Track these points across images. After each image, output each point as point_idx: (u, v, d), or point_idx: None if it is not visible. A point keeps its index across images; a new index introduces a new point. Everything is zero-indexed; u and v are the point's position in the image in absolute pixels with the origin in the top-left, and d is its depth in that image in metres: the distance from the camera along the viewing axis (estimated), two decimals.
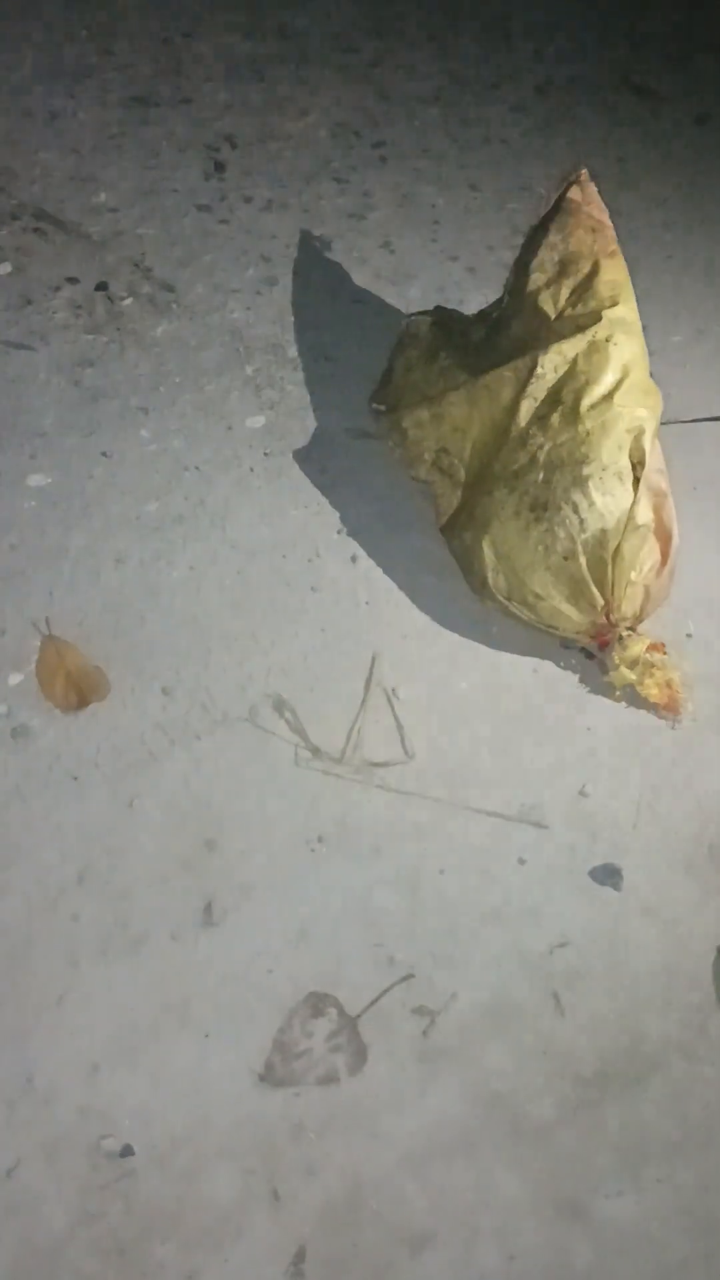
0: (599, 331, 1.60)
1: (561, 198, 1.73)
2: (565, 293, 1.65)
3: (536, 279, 1.67)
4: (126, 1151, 1.26)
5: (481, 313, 1.85)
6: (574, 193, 1.72)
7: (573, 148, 2.39)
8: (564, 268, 1.66)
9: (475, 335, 1.79)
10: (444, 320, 1.87)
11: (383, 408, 1.85)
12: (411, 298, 2.10)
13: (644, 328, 1.67)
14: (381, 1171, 1.28)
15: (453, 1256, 1.24)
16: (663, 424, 1.65)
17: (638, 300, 1.68)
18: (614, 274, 1.65)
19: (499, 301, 1.79)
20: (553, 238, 1.68)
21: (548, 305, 1.65)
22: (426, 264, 2.17)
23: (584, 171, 1.75)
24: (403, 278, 2.13)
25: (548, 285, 1.66)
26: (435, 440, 1.75)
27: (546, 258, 1.68)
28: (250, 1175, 1.26)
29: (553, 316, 1.64)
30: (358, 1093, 1.32)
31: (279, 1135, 1.29)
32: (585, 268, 1.65)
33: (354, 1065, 1.34)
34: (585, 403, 1.60)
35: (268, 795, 1.52)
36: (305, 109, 2.39)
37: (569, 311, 1.64)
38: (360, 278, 2.12)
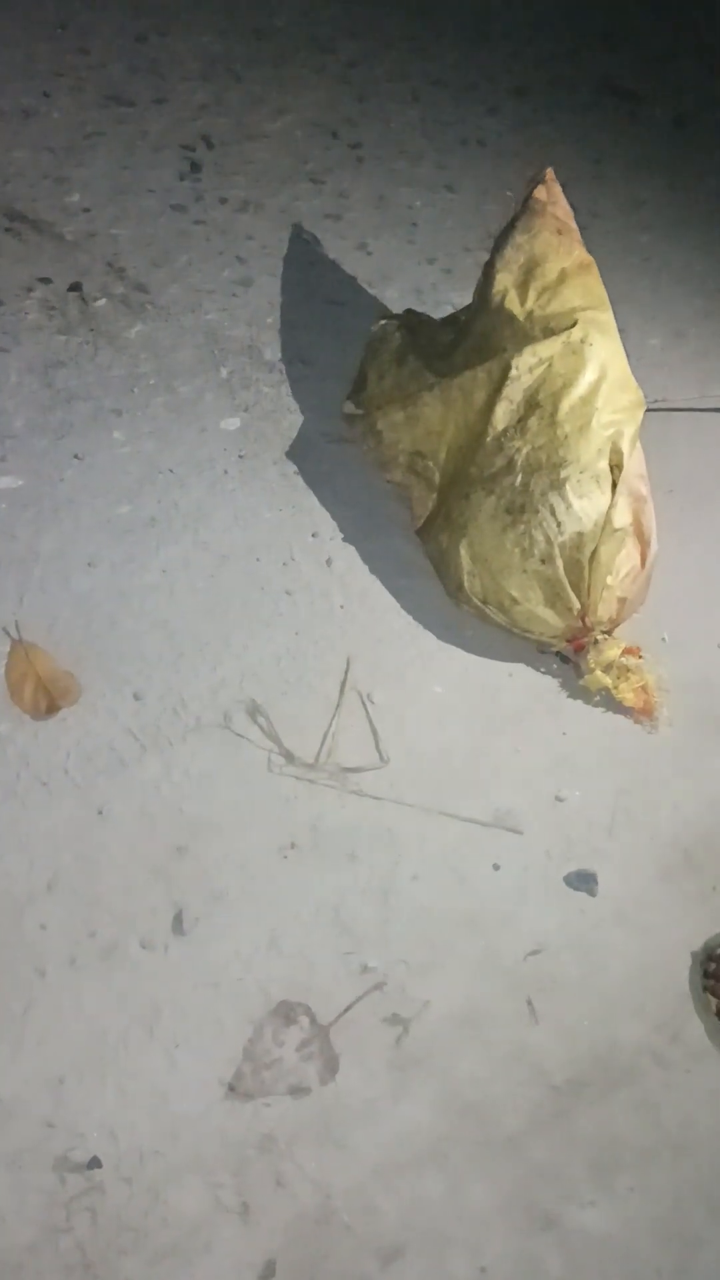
0: (573, 333, 1.59)
1: (528, 198, 1.72)
2: (532, 295, 1.64)
3: (503, 279, 1.66)
4: (93, 1164, 1.24)
5: (451, 317, 1.84)
6: (539, 192, 1.71)
7: (551, 149, 2.38)
8: (530, 269, 1.65)
9: (443, 339, 1.78)
10: (413, 324, 1.86)
11: (357, 412, 1.84)
12: (388, 299, 2.08)
13: (621, 331, 1.67)
14: (352, 1183, 1.26)
15: (424, 1268, 1.22)
16: (648, 409, 1.65)
17: (614, 304, 1.67)
18: (587, 282, 1.64)
19: (469, 305, 1.78)
20: (519, 238, 1.68)
21: (514, 306, 1.63)
22: (403, 265, 2.16)
23: (549, 171, 1.75)
24: (380, 279, 2.12)
25: (515, 286, 1.65)
26: (410, 443, 1.74)
27: (512, 258, 1.67)
28: (219, 1188, 1.25)
29: (520, 318, 1.63)
30: (329, 1103, 1.31)
31: (248, 1147, 1.27)
32: (553, 271, 1.64)
33: (325, 1075, 1.33)
34: (564, 405, 1.59)
35: (240, 801, 1.51)
36: (282, 109, 2.37)
37: (538, 313, 1.62)
38: (337, 279, 2.11)
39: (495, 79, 2.53)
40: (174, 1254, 1.21)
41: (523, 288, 1.65)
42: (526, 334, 1.61)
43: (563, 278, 1.64)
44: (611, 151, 2.43)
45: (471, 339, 1.70)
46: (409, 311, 1.93)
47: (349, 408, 1.85)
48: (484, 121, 2.44)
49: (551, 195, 1.73)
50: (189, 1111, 1.29)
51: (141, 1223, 1.22)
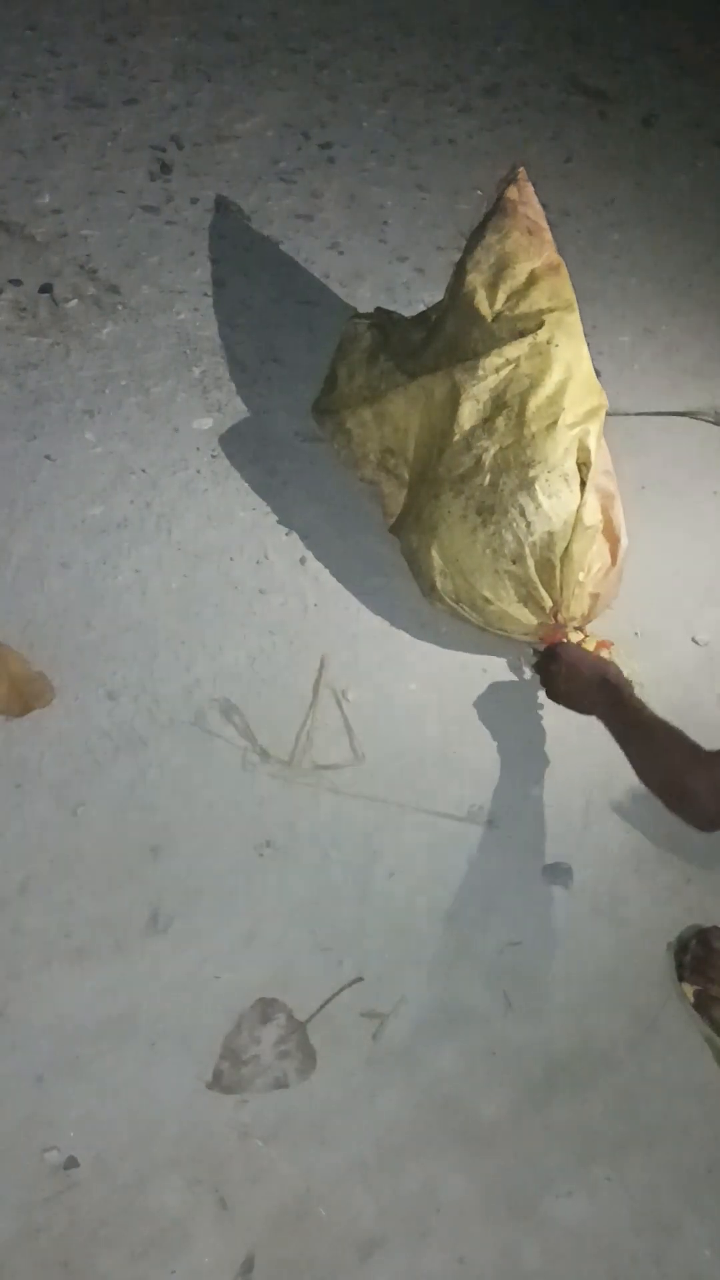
0: (540, 335, 1.60)
1: (499, 197, 1.73)
2: (502, 296, 1.64)
3: (472, 279, 1.67)
4: (71, 1164, 1.24)
5: (421, 315, 1.84)
6: (511, 192, 1.72)
7: (520, 149, 2.39)
8: (500, 269, 1.66)
9: (415, 337, 1.78)
10: (383, 323, 1.87)
11: (325, 411, 1.84)
12: (360, 298, 2.09)
13: (592, 328, 1.68)
14: (330, 1177, 1.27)
15: (402, 1260, 1.23)
16: (610, 414, 1.66)
17: (585, 301, 1.68)
18: (555, 284, 1.65)
19: (439, 303, 1.79)
20: (489, 238, 1.68)
21: (483, 306, 1.64)
22: (375, 265, 2.16)
23: (521, 170, 1.75)
24: (351, 278, 2.13)
25: (485, 286, 1.66)
26: (379, 440, 1.74)
27: (482, 257, 1.67)
28: (197, 1184, 1.25)
29: (489, 319, 1.63)
30: (306, 1098, 1.31)
31: (227, 1143, 1.28)
32: (522, 273, 1.65)
33: (303, 1070, 1.33)
34: (531, 405, 1.59)
35: (215, 800, 1.51)
36: (252, 110, 2.37)
37: (506, 314, 1.63)
38: (308, 278, 2.11)
39: (465, 78, 2.54)
40: (152, 1250, 1.21)
41: (492, 288, 1.66)
42: (495, 335, 1.62)
43: (532, 280, 1.65)
44: (581, 150, 2.45)
45: (442, 339, 1.70)
46: (380, 310, 1.93)
47: (317, 406, 1.86)
48: (455, 121, 2.45)
49: (523, 195, 1.74)
50: (167, 1108, 1.29)
51: (120, 1220, 1.22)
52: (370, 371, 1.78)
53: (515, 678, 1.67)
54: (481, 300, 1.65)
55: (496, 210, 1.73)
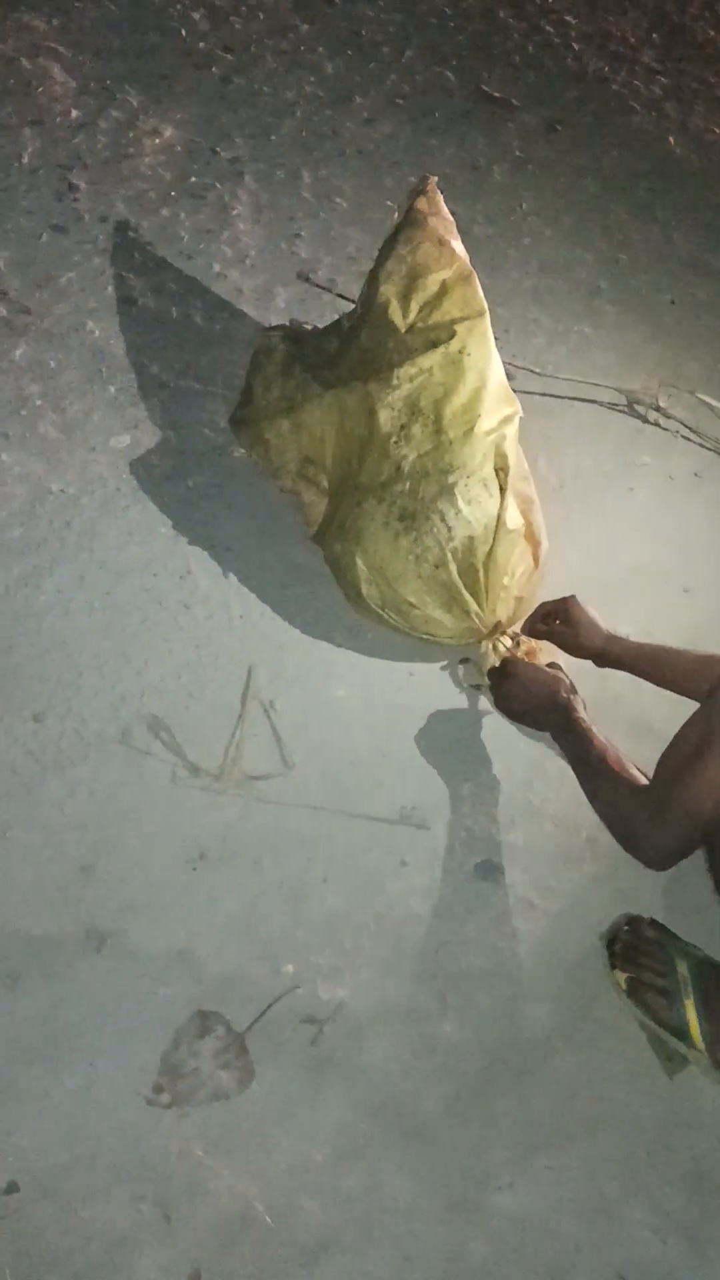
0: (452, 345, 1.62)
1: (409, 208, 1.75)
2: (415, 306, 1.67)
3: (385, 290, 1.69)
4: (11, 1188, 1.24)
5: (335, 324, 1.86)
6: (420, 203, 1.74)
7: (429, 157, 2.42)
8: (412, 280, 1.68)
9: (329, 346, 1.80)
10: (297, 334, 1.88)
11: (242, 424, 1.85)
12: (274, 310, 2.10)
13: (504, 332, 1.70)
14: (274, 1184, 1.28)
15: (349, 1263, 1.24)
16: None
17: (497, 306, 1.70)
18: (467, 293, 1.67)
19: (352, 312, 1.81)
20: (400, 250, 1.70)
21: (396, 317, 1.66)
22: (288, 277, 2.17)
23: (431, 181, 1.78)
24: (264, 291, 2.14)
25: (397, 297, 1.68)
26: (298, 450, 1.76)
27: (394, 269, 1.70)
28: (141, 1200, 1.25)
29: (402, 329, 1.66)
30: (247, 1108, 1.32)
31: (169, 1157, 1.28)
32: (434, 284, 1.67)
33: (243, 1080, 1.34)
34: (446, 412, 1.62)
35: (145, 816, 1.51)
36: (159, 126, 2.38)
37: (419, 324, 1.65)
38: (221, 292, 2.12)
39: (370, 89, 2.56)
40: (98, 1270, 1.21)
41: (405, 299, 1.68)
42: (409, 346, 1.64)
43: (444, 290, 1.67)
44: (489, 157, 2.48)
45: (356, 350, 1.72)
46: (293, 322, 1.95)
47: (234, 419, 1.87)
48: (362, 131, 2.47)
49: (433, 205, 1.76)
50: (107, 1127, 1.29)
51: (64, 1242, 1.22)
52: (286, 383, 1.80)
53: (452, 683, 1.69)
54: (395, 311, 1.67)
55: (406, 221, 1.76)
